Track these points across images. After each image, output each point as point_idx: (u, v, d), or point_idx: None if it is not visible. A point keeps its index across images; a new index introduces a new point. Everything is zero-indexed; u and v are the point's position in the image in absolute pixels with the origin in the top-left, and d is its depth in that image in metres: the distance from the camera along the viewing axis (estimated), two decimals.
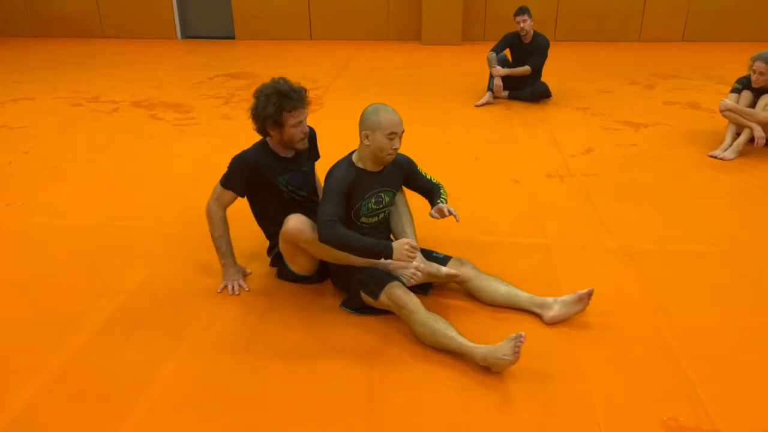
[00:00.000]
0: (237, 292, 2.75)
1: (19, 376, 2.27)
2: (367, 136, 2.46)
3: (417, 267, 2.47)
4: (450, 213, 2.56)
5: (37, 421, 2.06)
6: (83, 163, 4.43)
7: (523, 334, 2.15)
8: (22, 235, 3.37)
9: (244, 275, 2.85)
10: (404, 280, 2.46)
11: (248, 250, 3.08)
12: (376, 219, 2.63)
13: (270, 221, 2.79)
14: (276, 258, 2.83)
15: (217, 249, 2.76)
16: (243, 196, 2.75)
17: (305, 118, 2.64)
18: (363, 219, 2.59)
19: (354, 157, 2.56)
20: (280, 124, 2.57)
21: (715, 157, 4.35)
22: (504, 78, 5.76)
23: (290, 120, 2.56)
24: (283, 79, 2.62)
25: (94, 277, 2.92)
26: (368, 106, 2.50)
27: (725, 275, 2.90)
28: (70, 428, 2.03)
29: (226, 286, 2.77)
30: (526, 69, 5.73)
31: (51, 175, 4.21)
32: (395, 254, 2.37)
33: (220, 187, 2.70)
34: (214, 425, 2.04)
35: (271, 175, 2.67)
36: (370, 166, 2.53)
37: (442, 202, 2.63)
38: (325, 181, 2.54)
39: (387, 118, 2.44)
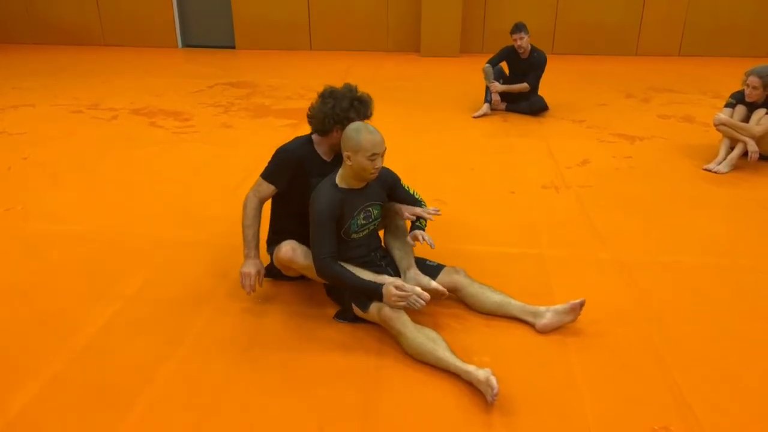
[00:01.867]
0: (249, 288, 2.66)
1: (17, 379, 2.28)
2: (349, 157, 2.46)
3: (420, 295, 2.41)
4: (425, 240, 2.61)
5: (34, 423, 2.08)
6: (82, 170, 4.46)
7: (494, 388, 2.10)
8: (21, 240, 3.39)
9: (260, 274, 2.73)
10: (408, 306, 2.43)
11: None
12: (366, 232, 2.65)
13: (283, 220, 2.80)
14: (269, 267, 2.86)
15: (244, 238, 2.71)
16: (282, 190, 2.70)
17: None
18: (353, 235, 2.60)
19: (337, 178, 2.55)
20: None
21: (709, 171, 4.39)
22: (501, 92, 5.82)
23: None
24: (356, 86, 2.67)
25: (92, 282, 2.94)
26: (350, 126, 2.49)
27: (718, 287, 2.93)
28: (67, 431, 2.04)
29: (242, 278, 2.68)
30: (524, 86, 5.79)
31: (50, 181, 4.23)
32: (385, 299, 2.41)
33: (260, 179, 2.70)
34: (210, 428, 2.06)
35: (308, 171, 2.65)
36: (354, 184, 2.54)
37: (420, 227, 2.68)
38: (311, 208, 2.52)
39: (368, 139, 2.42)
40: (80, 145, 5.01)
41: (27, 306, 2.76)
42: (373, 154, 2.43)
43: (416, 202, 2.76)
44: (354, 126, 2.48)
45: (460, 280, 2.68)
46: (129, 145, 5.00)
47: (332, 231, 2.49)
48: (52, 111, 6.07)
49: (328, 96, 2.62)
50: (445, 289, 2.59)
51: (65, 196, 4.00)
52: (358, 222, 2.59)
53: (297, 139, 2.77)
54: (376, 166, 2.47)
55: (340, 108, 2.56)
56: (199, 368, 2.35)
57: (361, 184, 2.56)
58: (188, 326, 2.60)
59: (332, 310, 2.69)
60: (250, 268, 2.67)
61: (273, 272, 2.88)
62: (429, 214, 2.67)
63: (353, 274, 2.46)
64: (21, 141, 5.12)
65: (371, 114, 2.67)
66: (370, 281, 2.45)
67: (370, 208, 2.62)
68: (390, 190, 2.70)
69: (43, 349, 2.45)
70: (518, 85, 5.80)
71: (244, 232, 2.72)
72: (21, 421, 2.08)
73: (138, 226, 3.54)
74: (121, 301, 2.78)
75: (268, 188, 2.69)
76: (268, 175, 2.69)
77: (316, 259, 2.48)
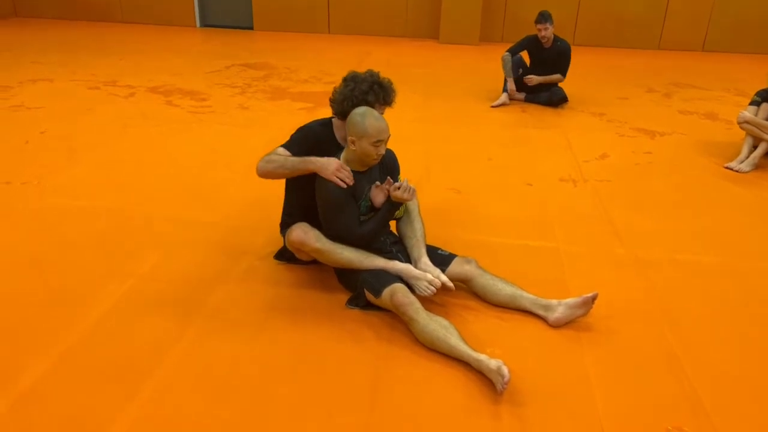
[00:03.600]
0: (344, 177, 2.49)
1: (29, 353, 2.29)
2: (353, 142, 2.47)
3: (431, 282, 2.49)
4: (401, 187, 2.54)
5: (44, 398, 2.09)
6: (99, 146, 4.47)
7: (505, 377, 2.08)
8: (36, 214, 3.41)
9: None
10: (417, 292, 2.48)
11: (261, 241, 3.10)
12: (373, 215, 2.64)
13: (297, 205, 2.78)
14: (282, 250, 2.86)
15: (296, 164, 2.55)
16: None
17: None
18: (362, 218, 2.61)
19: (341, 161, 2.56)
20: None
21: (731, 169, 4.32)
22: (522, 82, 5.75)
23: (378, 110, 2.59)
24: (379, 73, 2.65)
25: (105, 259, 2.95)
26: (355, 110, 2.49)
27: (734, 288, 2.88)
28: (76, 406, 2.05)
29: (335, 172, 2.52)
30: (558, 77, 5.73)
31: (66, 156, 4.24)
32: (415, 287, 2.49)
33: (278, 148, 2.64)
34: (219, 411, 2.06)
35: (324, 154, 2.62)
36: (357, 168, 2.56)
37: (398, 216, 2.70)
38: (320, 193, 2.54)
39: (373, 125, 2.43)
40: (97, 122, 5.02)
41: (40, 281, 2.77)
42: (378, 141, 2.45)
43: None
44: (360, 111, 2.47)
45: (471, 270, 2.66)
46: (145, 123, 5.00)
47: (354, 207, 2.53)
48: (69, 86, 6.08)
49: (350, 80, 2.62)
50: (452, 284, 2.57)
51: (81, 171, 4.01)
52: (366, 204, 2.60)
53: (317, 120, 2.76)
54: (380, 152, 2.49)
55: (359, 90, 2.56)
56: (209, 350, 2.35)
57: (363, 168, 2.57)
58: (200, 307, 2.60)
59: (344, 296, 2.67)
60: (332, 162, 2.52)
61: (286, 256, 2.88)
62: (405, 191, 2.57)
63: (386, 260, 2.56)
64: (38, 115, 5.14)
65: (392, 101, 2.65)
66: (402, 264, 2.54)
67: None
68: (390, 175, 2.69)
69: (56, 325, 2.46)
70: (552, 76, 5.72)
71: (289, 164, 2.56)
72: (32, 396, 2.09)
73: (152, 205, 3.54)
74: (133, 279, 2.78)
75: (284, 152, 2.62)
76: (287, 144, 2.65)
77: (357, 235, 2.55)
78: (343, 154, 2.58)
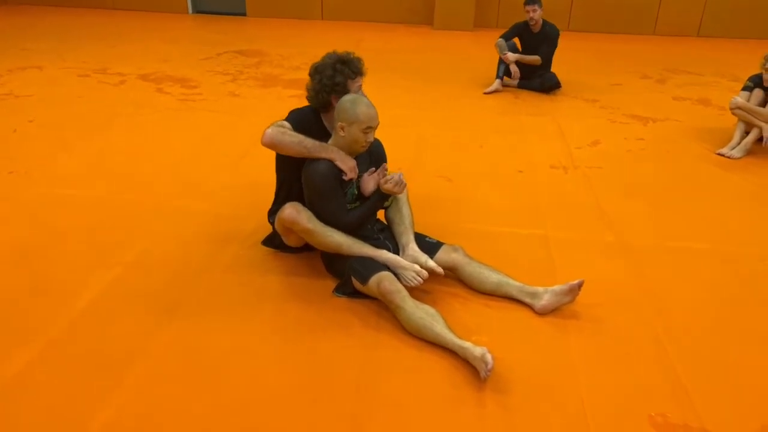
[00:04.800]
0: (352, 173, 2.53)
1: (15, 342, 2.29)
2: (342, 128, 2.47)
3: (419, 272, 2.48)
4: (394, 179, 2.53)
5: (29, 387, 2.08)
6: (87, 134, 4.44)
7: (489, 363, 2.08)
8: (22, 203, 3.38)
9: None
10: (404, 282, 2.47)
11: (249, 228, 3.09)
12: (360, 204, 2.63)
13: (286, 187, 2.77)
14: (270, 236, 2.85)
15: (312, 148, 2.49)
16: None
17: (361, 85, 2.67)
18: (349, 206, 2.60)
19: None
20: (345, 92, 2.57)
21: (723, 155, 4.31)
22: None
23: (352, 86, 2.59)
24: (335, 51, 2.65)
25: (92, 248, 2.93)
26: (345, 97, 2.50)
27: (723, 274, 2.88)
28: (61, 395, 2.05)
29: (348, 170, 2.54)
30: (536, 58, 5.69)
31: (54, 145, 4.21)
32: (402, 277, 2.47)
33: (284, 122, 2.60)
34: (203, 399, 2.05)
35: (315, 138, 2.58)
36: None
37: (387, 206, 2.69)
38: (309, 179, 2.53)
39: (364, 112, 2.44)
40: (86, 110, 4.98)
41: (27, 270, 2.76)
42: (368, 127, 2.45)
43: None
44: (350, 98, 2.47)
45: (458, 258, 2.65)
46: (135, 111, 4.96)
47: (341, 195, 2.53)
48: (59, 74, 6.03)
49: (314, 72, 2.63)
50: (441, 269, 2.56)
51: (69, 160, 3.98)
52: (353, 192, 2.59)
53: (309, 105, 2.74)
54: (368, 140, 2.49)
55: (326, 77, 2.56)
56: (195, 338, 2.34)
57: (352, 155, 2.56)
58: (187, 295, 2.59)
59: (332, 283, 2.67)
60: (345, 156, 2.51)
61: (274, 242, 2.86)
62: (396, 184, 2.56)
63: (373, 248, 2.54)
64: (27, 103, 5.10)
65: (360, 70, 2.64)
66: (391, 255, 2.53)
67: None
68: (377, 165, 2.68)
69: (42, 314, 2.45)
70: (530, 56, 5.70)
71: (309, 145, 2.49)
72: (17, 384, 2.09)
73: (141, 193, 3.52)
74: (120, 267, 2.77)
75: (285, 123, 2.58)
76: (285, 119, 2.62)
77: (344, 223, 2.53)
78: (330, 141, 2.56)
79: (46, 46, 7.17)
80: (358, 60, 2.66)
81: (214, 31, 8.47)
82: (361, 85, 2.66)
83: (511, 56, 5.69)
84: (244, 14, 9.70)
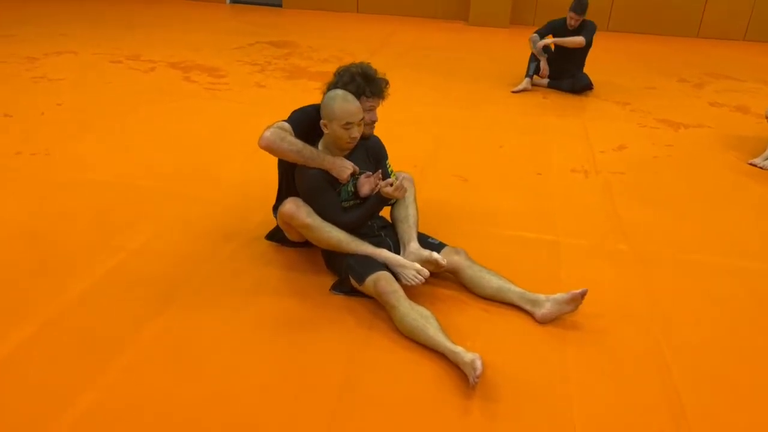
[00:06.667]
0: (350, 174, 2.52)
1: (12, 321, 2.33)
2: (325, 125, 2.45)
3: (419, 271, 2.43)
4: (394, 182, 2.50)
5: (22, 366, 2.12)
6: (112, 119, 4.51)
7: (477, 369, 2.01)
8: (39, 185, 3.46)
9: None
10: (403, 281, 2.43)
11: (256, 221, 3.09)
12: (358, 202, 2.59)
13: (286, 181, 2.75)
14: (274, 230, 2.84)
15: (311, 156, 2.46)
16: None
17: (375, 109, 2.63)
18: (344, 203, 2.56)
19: (319, 146, 2.53)
20: None
21: (754, 166, 4.12)
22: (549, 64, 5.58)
23: (363, 104, 2.53)
24: (369, 64, 2.61)
25: (100, 232, 2.97)
26: (328, 92, 2.46)
27: (736, 291, 2.74)
28: (49, 375, 2.08)
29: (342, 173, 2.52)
30: (579, 39, 5.40)
31: (78, 129, 4.29)
32: (402, 276, 2.43)
33: (284, 123, 2.57)
34: (188, 386, 2.05)
35: (317, 137, 2.59)
36: (336, 153, 2.52)
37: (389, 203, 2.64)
38: (298, 178, 2.52)
39: (342, 108, 2.39)
40: (113, 95, 5.07)
41: (33, 250, 2.81)
42: (348, 123, 2.40)
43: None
44: (331, 94, 2.44)
45: (460, 261, 2.59)
46: (160, 99, 5.03)
47: (333, 194, 2.49)
48: (92, 59, 6.16)
49: (337, 72, 2.59)
50: (445, 261, 2.51)
51: (91, 144, 4.05)
52: (348, 189, 2.55)
53: (314, 104, 2.70)
54: (352, 136, 2.44)
55: (342, 83, 2.53)
56: (187, 326, 2.35)
57: (342, 153, 2.53)
58: (185, 283, 2.60)
59: (330, 280, 2.64)
60: (347, 167, 2.49)
61: (277, 236, 2.86)
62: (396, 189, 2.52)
63: (373, 247, 2.51)
64: (58, 87, 5.22)
65: (380, 93, 2.57)
66: (388, 253, 2.50)
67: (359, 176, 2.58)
68: (376, 163, 2.63)
69: (41, 295, 2.49)
70: (573, 38, 5.43)
71: (307, 154, 2.45)
72: (10, 363, 2.13)
73: (154, 179, 3.55)
74: (124, 252, 2.80)
75: (288, 127, 2.53)
76: (289, 120, 2.59)
77: (338, 223, 2.50)
78: (321, 140, 2.55)
79: (83, 32, 7.34)
80: (383, 82, 2.58)
81: (249, 22, 8.54)
82: (373, 108, 2.59)
83: (549, 39, 5.51)
84: (280, 5, 9.75)
